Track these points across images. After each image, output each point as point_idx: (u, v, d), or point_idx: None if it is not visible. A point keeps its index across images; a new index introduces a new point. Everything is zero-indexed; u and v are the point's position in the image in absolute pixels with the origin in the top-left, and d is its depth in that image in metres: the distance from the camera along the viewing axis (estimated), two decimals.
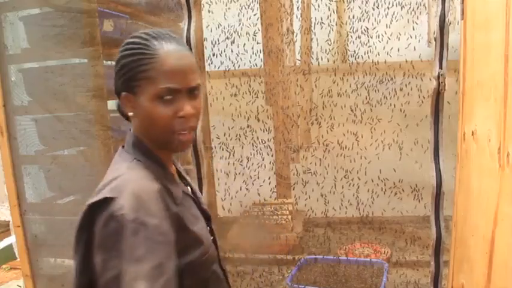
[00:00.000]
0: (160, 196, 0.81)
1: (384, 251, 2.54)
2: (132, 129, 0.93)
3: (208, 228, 0.98)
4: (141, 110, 0.86)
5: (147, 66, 0.84)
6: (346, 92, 2.49)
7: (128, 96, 0.87)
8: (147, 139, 0.90)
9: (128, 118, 0.94)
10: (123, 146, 0.93)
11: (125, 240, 0.73)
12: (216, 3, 2.53)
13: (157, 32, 0.88)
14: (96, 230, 0.77)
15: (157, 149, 0.91)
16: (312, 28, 2.60)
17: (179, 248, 0.81)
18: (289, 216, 2.69)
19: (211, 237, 0.97)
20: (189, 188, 1.00)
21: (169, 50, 0.85)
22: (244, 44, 2.53)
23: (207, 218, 0.99)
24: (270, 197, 2.70)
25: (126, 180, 0.82)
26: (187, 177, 1.04)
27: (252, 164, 2.55)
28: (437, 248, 1.51)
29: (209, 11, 2.53)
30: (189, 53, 0.89)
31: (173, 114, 0.85)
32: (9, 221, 2.46)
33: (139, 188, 0.80)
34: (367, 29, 2.44)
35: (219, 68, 2.54)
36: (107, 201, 0.77)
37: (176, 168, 1.01)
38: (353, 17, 2.49)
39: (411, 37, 2.40)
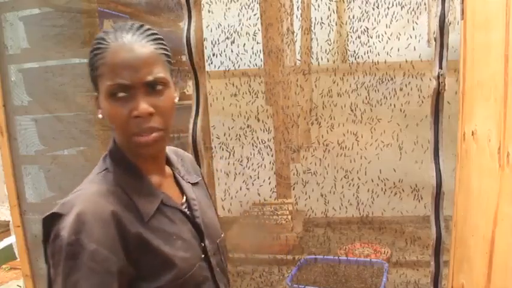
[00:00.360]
0: (112, 218, 0.74)
1: (384, 251, 2.54)
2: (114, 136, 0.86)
3: (203, 245, 0.87)
4: (102, 111, 0.80)
5: (100, 62, 0.77)
6: (346, 92, 2.49)
7: (95, 97, 0.82)
8: (126, 142, 0.82)
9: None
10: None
11: (63, 263, 0.70)
12: (216, 3, 2.53)
13: (121, 24, 0.81)
14: (49, 243, 0.74)
15: (135, 155, 0.82)
16: (312, 28, 2.60)
17: (146, 272, 0.76)
18: (289, 216, 2.69)
19: (203, 255, 0.86)
20: (184, 198, 0.90)
21: (121, 42, 0.77)
22: (244, 44, 2.53)
23: (201, 234, 0.88)
24: (270, 197, 2.70)
25: (79, 197, 0.76)
26: (188, 185, 0.93)
27: (252, 164, 2.55)
28: (437, 248, 1.51)
29: (209, 11, 2.53)
30: (148, 44, 0.79)
31: (128, 114, 0.76)
32: (9, 221, 2.45)
33: (87, 208, 0.73)
34: (367, 29, 2.44)
35: (219, 68, 2.54)
36: (56, 217, 0.74)
37: (175, 175, 0.92)
38: (353, 17, 2.49)
39: (411, 37, 2.40)
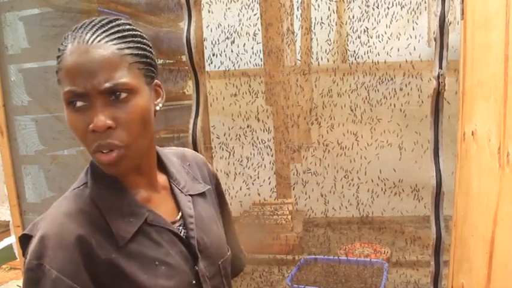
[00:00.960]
0: (78, 243, 0.66)
1: (384, 251, 2.54)
2: None
3: (196, 269, 0.77)
4: None
5: (58, 66, 0.68)
6: (346, 92, 2.49)
7: None
8: None
9: None
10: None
11: None
12: (216, 3, 2.53)
13: (86, 20, 0.70)
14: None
15: None
16: (312, 28, 2.60)
17: None
18: (289, 216, 2.69)
19: (194, 281, 0.76)
20: (179, 214, 0.79)
21: (78, 43, 0.66)
22: (244, 44, 2.53)
23: (195, 256, 0.77)
24: (270, 197, 2.70)
25: (47, 217, 0.69)
26: (187, 198, 0.82)
27: (252, 164, 2.55)
28: (437, 248, 1.51)
29: (209, 11, 2.53)
30: (109, 44, 0.66)
31: (86, 127, 0.66)
32: (9, 221, 2.45)
33: (51, 231, 0.66)
34: (367, 29, 2.44)
35: (219, 68, 2.54)
36: (26, 238, 0.69)
37: (172, 186, 0.81)
38: (353, 17, 2.49)
39: (411, 37, 2.40)
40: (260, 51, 2.58)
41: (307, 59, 2.64)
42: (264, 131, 2.55)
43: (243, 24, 2.53)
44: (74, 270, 0.65)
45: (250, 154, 2.56)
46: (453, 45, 1.44)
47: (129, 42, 0.69)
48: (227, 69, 2.52)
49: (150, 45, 0.74)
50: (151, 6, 2.45)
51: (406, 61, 2.33)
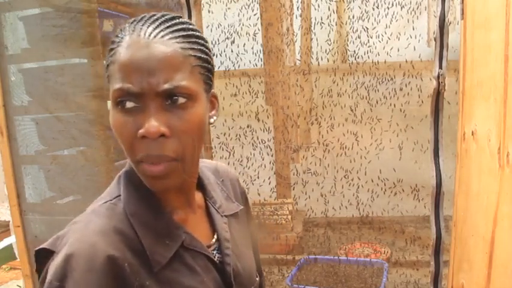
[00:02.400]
0: (109, 265, 0.57)
1: (384, 251, 2.54)
2: None
3: None
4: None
5: (110, 59, 0.59)
6: (346, 92, 2.49)
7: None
8: None
9: None
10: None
11: None
12: (216, 3, 2.53)
13: (149, 14, 0.63)
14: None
15: None
16: (312, 28, 2.60)
17: None
18: (289, 216, 2.69)
19: None
20: (215, 237, 0.71)
21: (137, 36, 0.58)
22: (244, 44, 2.53)
23: (229, 285, 0.69)
24: (270, 197, 2.70)
25: (75, 233, 0.60)
26: (223, 220, 0.73)
27: (252, 164, 2.55)
28: (437, 248, 1.51)
29: (209, 11, 2.53)
30: (173, 41, 0.58)
31: (135, 132, 0.57)
32: (9, 221, 2.45)
33: (79, 250, 0.57)
34: (367, 29, 2.44)
35: (219, 68, 2.54)
36: (47, 253, 0.60)
37: (207, 205, 0.73)
38: (353, 17, 2.49)
39: (411, 37, 2.40)
40: (260, 51, 2.59)
41: (307, 59, 2.64)
42: (264, 131, 2.55)
43: (243, 24, 2.53)
44: None
45: (250, 154, 2.56)
46: (453, 45, 1.44)
47: (194, 43, 0.61)
48: (227, 69, 2.52)
49: (211, 50, 0.67)
50: (151, 6, 2.45)
51: (406, 61, 2.33)
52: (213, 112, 0.69)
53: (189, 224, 0.67)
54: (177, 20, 0.62)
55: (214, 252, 0.70)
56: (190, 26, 0.63)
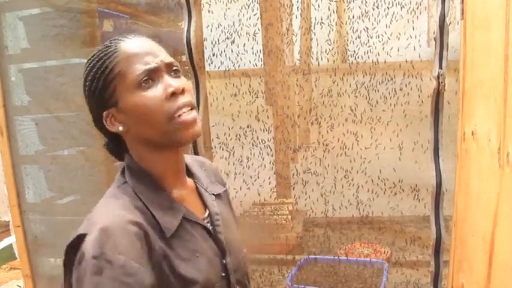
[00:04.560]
0: (140, 231, 0.69)
1: (384, 251, 2.54)
2: (128, 152, 0.81)
3: (224, 262, 0.82)
4: (128, 114, 0.75)
5: (113, 63, 0.75)
6: (346, 92, 2.49)
7: (110, 112, 0.77)
8: (146, 153, 0.78)
9: (119, 153, 0.83)
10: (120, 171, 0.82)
11: (89, 280, 0.63)
12: (216, 3, 2.53)
13: (115, 37, 0.80)
14: (73, 270, 0.68)
15: (157, 167, 0.78)
16: (312, 28, 2.60)
17: None
18: (289, 216, 2.69)
19: (223, 274, 0.81)
20: (206, 212, 0.85)
21: (129, 40, 0.78)
22: (244, 44, 2.53)
23: (223, 251, 0.83)
24: (270, 197, 2.70)
25: (99, 213, 0.72)
26: (212, 198, 0.88)
27: (252, 164, 2.55)
28: (437, 248, 1.51)
29: (209, 11, 2.53)
30: (153, 41, 0.81)
31: (162, 95, 0.74)
32: (9, 221, 2.45)
33: (111, 222, 0.68)
34: (367, 28, 2.44)
35: (219, 68, 2.54)
36: (80, 239, 0.68)
37: (197, 187, 0.87)
38: (353, 17, 2.49)
39: (411, 37, 2.40)
40: (260, 51, 2.58)
41: (307, 59, 2.64)
42: (264, 131, 2.55)
43: (243, 24, 2.52)
44: (139, 256, 0.67)
45: (250, 154, 2.56)
46: (453, 45, 1.44)
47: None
48: (227, 69, 2.52)
49: None
50: (151, 6, 2.45)
51: (406, 61, 2.33)
52: None
53: (185, 201, 0.81)
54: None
55: (208, 224, 0.83)
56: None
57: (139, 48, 0.76)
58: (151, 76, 0.74)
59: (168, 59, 0.77)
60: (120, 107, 0.76)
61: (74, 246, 0.69)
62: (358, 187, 2.43)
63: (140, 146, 0.79)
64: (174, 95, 0.74)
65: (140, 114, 0.74)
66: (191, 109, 0.76)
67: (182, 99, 0.75)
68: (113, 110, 0.77)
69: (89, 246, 0.65)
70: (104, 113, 0.78)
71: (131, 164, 0.79)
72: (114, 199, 0.75)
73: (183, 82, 0.77)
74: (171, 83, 0.75)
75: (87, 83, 0.78)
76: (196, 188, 0.88)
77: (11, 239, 2.75)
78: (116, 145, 0.84)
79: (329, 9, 2.52)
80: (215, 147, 2.62)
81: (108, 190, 0.79)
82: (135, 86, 0.74)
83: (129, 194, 0.76)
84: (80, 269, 0.65)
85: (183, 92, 0.75)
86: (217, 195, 0.91)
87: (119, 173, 0.81)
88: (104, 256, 0.64)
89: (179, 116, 0.74)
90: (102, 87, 0.76)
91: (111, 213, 0.70)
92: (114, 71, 0.75)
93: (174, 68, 0.77)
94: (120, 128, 0.77)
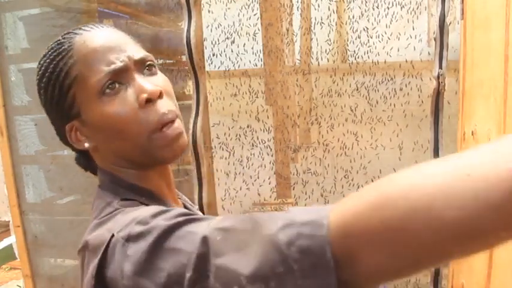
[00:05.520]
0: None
1: None
2: (102, 168, 0.65)
3: None
4: (94, 128, 0.60)
5: (68, 65, 0.60)
6: (346, 92, 2.49)
7: (73, 125, 0.62)
8: (126, 169, 0.63)
9: (90, 168, 0.68)
10: (99, 186, 0.67)
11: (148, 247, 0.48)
12: (216, 3, 2.53)
13: (70, 29, 0.65)
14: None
15: (148, 183, 0.64)
16: (312, 28, 2.60)
17: None
18: None
19: None
20: None
21: (87, 33, 0.61)
22: (244, 44, 2.53)
23: None
24: (270, 197, 2.70)
25: (120, 217, 0.57)
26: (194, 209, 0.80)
27: (252, 164, 2.55)
28: None
29: (209, 11, 2.53)
30: (119, 31, 0.65)
31: (133, 104, 0.58)
32: (9, 221, 2.45)
33: (135, 212, 0.56)
34: (367, 28, 2.44)
35: (219, 68, 2.54)
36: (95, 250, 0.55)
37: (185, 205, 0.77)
38: (353, 17, 2.49)
39: (411, 37, 2.40)
40: (260, 51, 2.58)
41: (307, 59, 2.64)
42: (264, 131, 2.55)
43: (243, 24, 2.53)
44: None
45: (250, 154, 2.56)
46: (453, 45, 1.44)
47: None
48: (227, 69, 2.52)
49: None
50: (151, 6, 2.45)
51: (406, 61, 2.32)
52: None
53: None
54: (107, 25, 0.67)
55: None
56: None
57: (99, 44, 0.59)
58: (118, 79, 0.59)
59: (139, 53, 0.61)
60: (84, 119, 0.61)
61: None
62: (358, 187, 2.43)
63: (113, 167, 0.64)
64: (149, 101, 0.59)
65: (108, 129, 0.59)
66: (174, 120, 0.61)
67: (161, 107, 0.59)
68: (76, 123, 0.62)
69: (120, 232, 0.52)
70: (66, 127, 0.63)
71: (114, 182, 0.63)
72: (121, 206, 0.60)
73: (159, 81, 0.62)
74: (144, 85, 0.59)
75: (41, 91, 0.64)
76: (184, 206, 0.77)
77: (11, 239, 2.75)
78: (88, 160, 0.69)
79: (329, 9, 2.52)
80: (215, 147, 2.61)
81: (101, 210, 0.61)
82: (97, 93, 0.58)
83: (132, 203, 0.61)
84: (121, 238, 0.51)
85: (160, 96, 0.59)
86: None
87: (100, 191, 0.65)
88: (144, 220, 0.51)
89: (162, 128, 0.59)
90: (59, 97, 0.61)
91: (131, 209, 0.57)
92: (70, 75, 0.60)
93: (148, 63, 0.62)
94: (86, 145, 0.63)
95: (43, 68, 0.63)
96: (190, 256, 0.43)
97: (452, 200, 0.34)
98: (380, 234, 0.37)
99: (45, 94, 0.63)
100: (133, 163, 0.63)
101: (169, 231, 0.46)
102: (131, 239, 0.48)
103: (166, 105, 0.60)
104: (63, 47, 0.61)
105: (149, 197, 0.63)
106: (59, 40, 0.63)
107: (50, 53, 0.63)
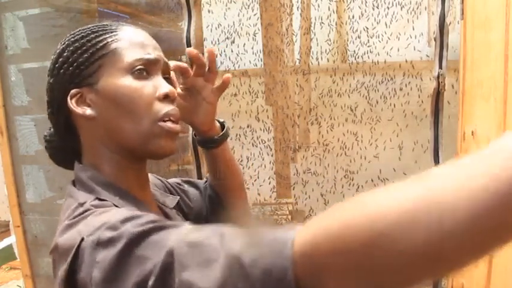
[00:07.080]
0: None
1: None
2: (84, 157, 0.69)
3: None
4: (107, 97, 0.63)
5: (110, 39, 0.66)
6: (346, 92, 2.49)
7: (80, 91, 0.64)
8: (104, 157, 0.66)
9: (64, 162, 0.74)
10: (72, 182, 0.70)
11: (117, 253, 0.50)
12: (216, 3, 2.53)
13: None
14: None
15: (121, 178, 0.66)
16: (312, 28, 2.60)
17: None
18: (289, 216, 2.69)
19: None
20: None
21: (132, 27, 0.71)
22: (244, 44, 2.53)
23: None
24: (270, 196, 2.70)
25: (91, 218, 0.58)
26: (173, 212, 0.80)
27: (252, 164, 2.55)
28: None
29: (209, 11, 2.53)
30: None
31: (154, 93, 0.66)
32: (9, 221, 2.45)
33: (108, 213, 0.58)
34: (367, 28, 2.44)
35: (219, 68, 2.54)
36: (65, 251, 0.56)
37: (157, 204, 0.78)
38: (353, 17, 2.49)
39: (411, 37, 2.40)
40: (260, 51, 2.58)
41: (306, 59, 2.64)
42: (264, 131, 2.55)
43: (243, 24, 2.53)
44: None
45: (250, 154, 2.56)
46: (453, 45, 1.44)
47: None
48: (227, 69, 2.52)
49: None
50: (151, 6, 2.45)
51: (406, 61, 2.33)
52: None
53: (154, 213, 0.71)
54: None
55: None
56: None
57: (142, 38, 0.68)
58: (148, 68, 0.66)
59: (165, 60, 0.72)
60: (98, 88, 0.64)
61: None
62: (358, 187, 2.43)
63: (99, 148, 0.66)
64: (166, 98, 0.67)
65: (123, 101, 0.63)
66: (178, 121, 0.69)
67: (172, 108, 0.67)
68: (85, 90, 0.65)
69: (95, 234, 0.53)
70: (73, 90, 0.64)
71: (94, 176, 0.66)
72: (93, 207, 0.61)
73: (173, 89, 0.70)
74: (166, 84, 0.68)
75: (64, 54, 0.67)
76: (159, 207, 0.78)
77: (11, 239, 2.75)
78: (67, 153, 0.73)
79: (329, 9, 2.52)
80: None
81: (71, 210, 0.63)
82: (126, 70, 0.64)
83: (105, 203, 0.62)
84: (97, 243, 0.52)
85: (174, 100, 0.68)
86: (179, 208, 0.84)
87: (72, 189, 0.69)
88: (115, 226, 0.52)
89: (166, 121, 0.66)
90: (85, 62, 0.65)
91: (105, 210, 0.58)
92: (109, 47, 0.65)
93: (167, 72, 0.72)
94: (88, 112, 0.64)
95: (79, 36, 0.67)
96: (155, 265, 0.45)
97: (416, 228, 0.34)
98: (343, 257, 0.37)
99: (68, 57, 0.66)
100: (122, 148, 0.66)
101: (138, 238, 0.48)
102: (101, 244, 0.50)
103: (175, 109, 0.68)
104: (110, 26, 0.69)
105: (124, 197, 0.65)
106: (106, 23, 0.70)
107: (93, 26, 0.69)
